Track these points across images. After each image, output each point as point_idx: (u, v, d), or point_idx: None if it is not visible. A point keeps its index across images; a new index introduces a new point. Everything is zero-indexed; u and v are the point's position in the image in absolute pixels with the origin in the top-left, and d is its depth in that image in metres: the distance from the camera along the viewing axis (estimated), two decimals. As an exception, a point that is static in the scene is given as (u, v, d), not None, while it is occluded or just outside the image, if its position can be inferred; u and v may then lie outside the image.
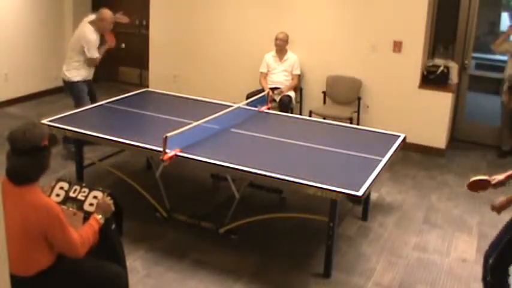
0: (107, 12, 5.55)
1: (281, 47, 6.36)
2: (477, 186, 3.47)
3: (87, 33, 5.44)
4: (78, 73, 5.53)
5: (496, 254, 3.19)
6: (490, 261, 3.20)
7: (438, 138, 6.09)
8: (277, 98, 6.21)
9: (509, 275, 3.29)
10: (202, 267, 3.78)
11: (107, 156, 5.09)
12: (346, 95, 6.37)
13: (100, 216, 2.78)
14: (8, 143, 2.57)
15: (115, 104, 5.12)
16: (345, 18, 6.28)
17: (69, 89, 5.65)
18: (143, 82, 7.93)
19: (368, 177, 3.65)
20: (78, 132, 4.34)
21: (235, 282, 3.63)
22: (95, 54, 5.49)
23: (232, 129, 4.52)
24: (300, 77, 6.49)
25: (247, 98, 5.74)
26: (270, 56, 6.45)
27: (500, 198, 3.25)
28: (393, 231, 4.42)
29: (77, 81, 5.53)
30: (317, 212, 3.94)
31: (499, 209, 3.25)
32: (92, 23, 5.49)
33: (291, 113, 6.17)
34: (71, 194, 2.91)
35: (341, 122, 5.46)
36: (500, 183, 3.42)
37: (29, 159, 2.53)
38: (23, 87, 7.39)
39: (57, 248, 2.60)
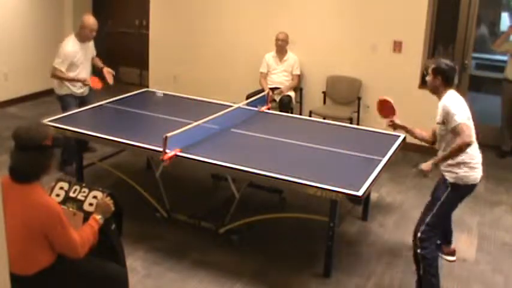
0: (87, 19, 5.22)
1: (282, 47, 6.36)
2: (384, 108, 3.90)
3: (63, 43, 5.18)
4: (62, 87, 5.24)
5: (424, 226, 3.46)
6: (419, 234, 3.46)
7: (438, 138, 6.08)
8: (277, 98, 6.21)
9: (437, 245, 3.59)
10: (202, 267, 3.78)
11: (107, 156, 5.09)
12: (346, 95, 6.37)
13: (100, 216, 2.78)
14: (12, 140, 2.59)
15: (115, 104, 5.12)
16: (345, 18, 6.28)
17: (57, 101, 5.38)
18: (143, 82, 7.93)
19: (368, 177, 3.65)
20: (78, 132, 4.34)
21: (235, 282, 3.63)
22: (59, 65, 5.07)
23: (232, 129, 4.52)
24: (300, 77, 6.49)
25: (247, 98, 5.74)
26: (270, 56, 6.45)
27: (427, 163, 3.47)
28: (393, 232, 4.42)
29: (63, 95, 5.24)
30: (317, 212, 3.94)
31: (428, 172, 3.45)
32: (76, 33, 5.25)
33: (291, 113, 6.17)
34: (71, 194, 2.91)
35: (341, 122, 5.46)
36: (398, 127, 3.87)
37: (29, 157, 2.55)
38: (23, 87, 7.39)
39: (57, 248, 2.60)
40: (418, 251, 3.48)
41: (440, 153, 3.52)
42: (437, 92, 3.52)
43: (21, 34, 7.27)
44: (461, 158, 3.40)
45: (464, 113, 3.37)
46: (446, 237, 4.02)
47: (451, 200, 3.53)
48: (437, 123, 3.50)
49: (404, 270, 3.86)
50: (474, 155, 3.48)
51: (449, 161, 3.44)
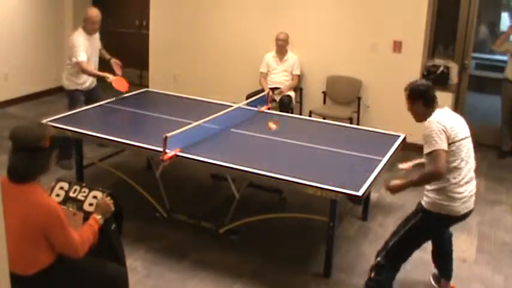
0: (89, 11, 5.26)
1: (282, 47, 6.35)
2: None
3: (74, 37, 5.17)
4: (70, 82, 5.29)
5: (385, 250, 3.22)
6: (379, 258, 3.23)
7: (438, 138, 6.08)
8: (277, 98, 6.21)
9: (392, 274, 3.28)
10: (202, 267, 3.78)
11: (107, 156, 5.09)
12: (346, 95, 6.37)
13: (99, 216, 2.78)
14: (10, 140, 2.59)
15: (115, 104, 5.12)
16: (345, 18, 6.28)
17: (66, 96, 5.47)
18: (143, 82, 7.93)
19: (368, 177, 3.65)
20: (78, 132, 4.34)
21: (235, 282, 3.63)
22: (82, 58, 5.09)
23: (232, 129, 4.52)
24: (300, 77, 6.49)
25: (247, 98, 5.74)
26: (270, 56, 6.45)
27: (396, 181, 3.27)
28: (393, 231, 4.41)
29: (71, 90, 5.30)
30: (317, 212, 3.94)
31: (393, 190, 3.27)
32: (82, 26, 5.26)
33: (291, 113, 6.17)
34: (71, 194, 2.91)
35: (341, 122, 5.46)
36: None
37: (26, 158, 2.54)
38: (23, 87, 7.39)
39: (57, 248, 2.60)
40: (372, 275, 3.21)
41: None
42: (423, 118, 3.16)
43: (21, 34, 7.27)
44: (441, 183, 3.05)
45: (446, 138, 3.02)
46: (445, 272, 3.61)
47: (421, 227, 3.18)
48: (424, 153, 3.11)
49: (404, 270, 3.86)
50: (459, 184, 3.07)
51: (428, 185, 3.13)
